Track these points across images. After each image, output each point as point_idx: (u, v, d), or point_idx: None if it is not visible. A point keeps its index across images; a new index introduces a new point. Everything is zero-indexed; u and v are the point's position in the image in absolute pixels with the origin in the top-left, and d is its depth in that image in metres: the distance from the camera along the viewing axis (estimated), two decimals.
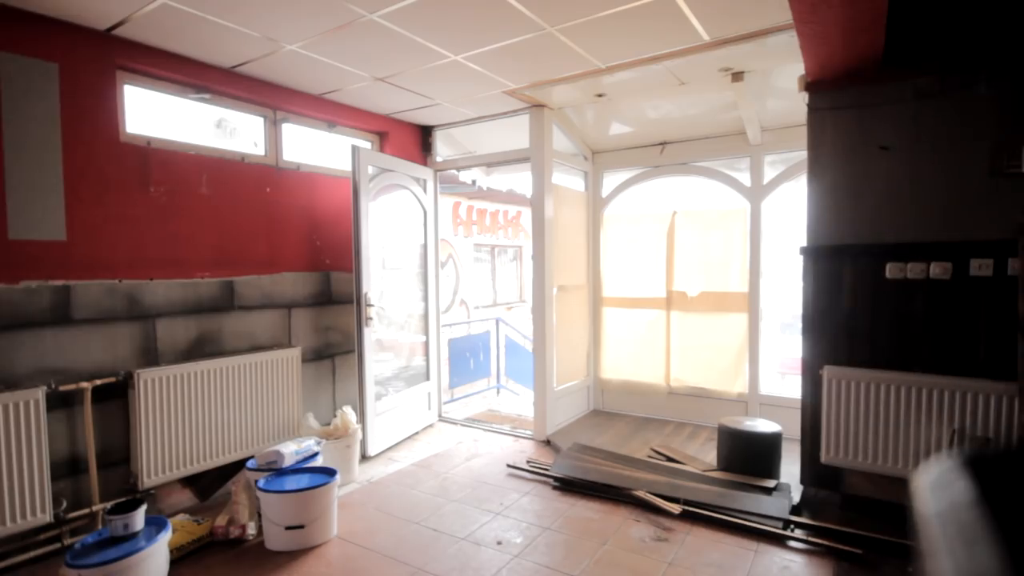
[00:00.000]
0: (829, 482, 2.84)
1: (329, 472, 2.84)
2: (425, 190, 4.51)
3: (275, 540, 2.63)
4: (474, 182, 5.97)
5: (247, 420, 3.26)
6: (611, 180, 4.77)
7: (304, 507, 2.61)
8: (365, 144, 4.31)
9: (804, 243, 2.88)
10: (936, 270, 2.54)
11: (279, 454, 2.86)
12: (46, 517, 2.48)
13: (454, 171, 4.88)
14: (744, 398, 4.15)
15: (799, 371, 2.92)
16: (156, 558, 2.24)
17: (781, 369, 6.47)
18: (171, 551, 2.41)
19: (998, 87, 2.42)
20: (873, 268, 2.69)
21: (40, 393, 2.47)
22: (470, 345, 6.28)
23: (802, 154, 3.16)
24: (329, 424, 3.47)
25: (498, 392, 6.17)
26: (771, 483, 2.99)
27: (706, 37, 2.85)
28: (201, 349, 3.18)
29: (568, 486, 3.26)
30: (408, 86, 3.60)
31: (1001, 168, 2.40)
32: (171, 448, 2.92)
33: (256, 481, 2.73)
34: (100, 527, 2.64)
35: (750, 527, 2.69)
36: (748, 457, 3.13)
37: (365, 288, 3.71)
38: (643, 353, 4.57)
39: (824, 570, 2.38)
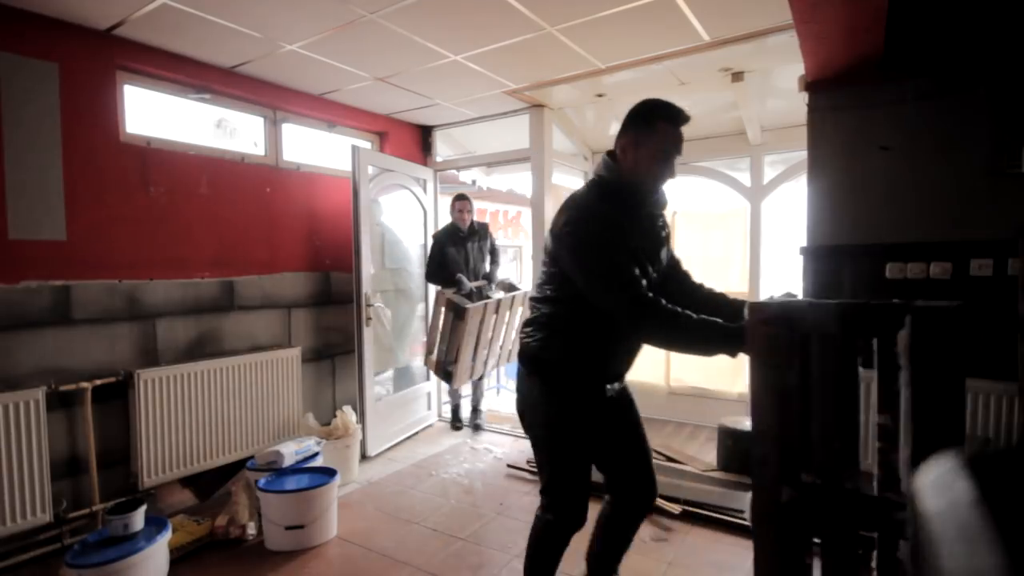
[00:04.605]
0: None
1: (329, 472, 2.83)
2: (425, 190, 4.51)
3: (275, 540, 2.63)
4: (474, 182, 5.97)
5: (247, 420, 3.26)
6: None
7: (304, 507, 2.61)
8: (365, 144, 4.31)
9: (804, 243, 2.88)
10: (936, 270, 2.54)
11: (279, 454, 2.86)
12: (46, 517, 2.48)
13: (454, 171, 4.89)
14: (744, 398, 4.14)
15: None
16: (156, 558, 2.25)
17: None
18: (171, 551, 2.41)
19: (998, 87, 2.42)
20: (873, 268, 2.69)
21: (40, 393, 2.47)
22: None
23: (802, 154, 3.16)
24: (329, 424, 3.47)
25: (498, 392, 6.15)
26: None
27: (706, 37, 2.85)
28: (201, 349, 3.18)
29: None
30: (408, 86, 3.60)
31: (1001, 168, 2.40)
32: (171, 448, 2.91)
33: (256, 481, 2.73)
34: (100, 527, 2.64)
35: (750, 527, 2.68)
36: (748, 457, 3.13)
37: (365, 288, 3.71)
38: (643, 353, 4.55)
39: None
